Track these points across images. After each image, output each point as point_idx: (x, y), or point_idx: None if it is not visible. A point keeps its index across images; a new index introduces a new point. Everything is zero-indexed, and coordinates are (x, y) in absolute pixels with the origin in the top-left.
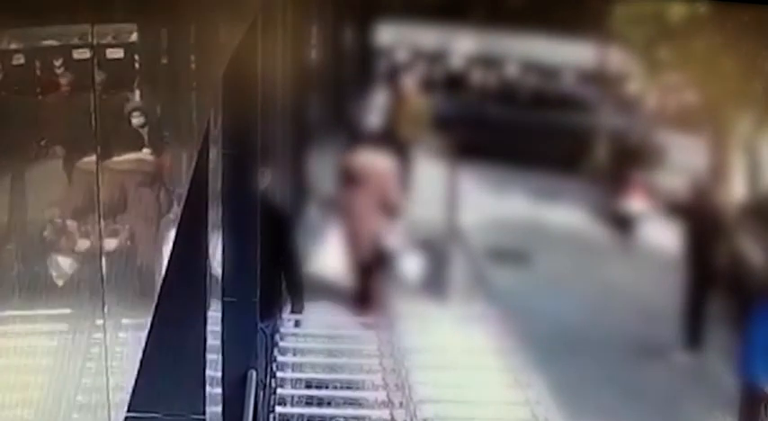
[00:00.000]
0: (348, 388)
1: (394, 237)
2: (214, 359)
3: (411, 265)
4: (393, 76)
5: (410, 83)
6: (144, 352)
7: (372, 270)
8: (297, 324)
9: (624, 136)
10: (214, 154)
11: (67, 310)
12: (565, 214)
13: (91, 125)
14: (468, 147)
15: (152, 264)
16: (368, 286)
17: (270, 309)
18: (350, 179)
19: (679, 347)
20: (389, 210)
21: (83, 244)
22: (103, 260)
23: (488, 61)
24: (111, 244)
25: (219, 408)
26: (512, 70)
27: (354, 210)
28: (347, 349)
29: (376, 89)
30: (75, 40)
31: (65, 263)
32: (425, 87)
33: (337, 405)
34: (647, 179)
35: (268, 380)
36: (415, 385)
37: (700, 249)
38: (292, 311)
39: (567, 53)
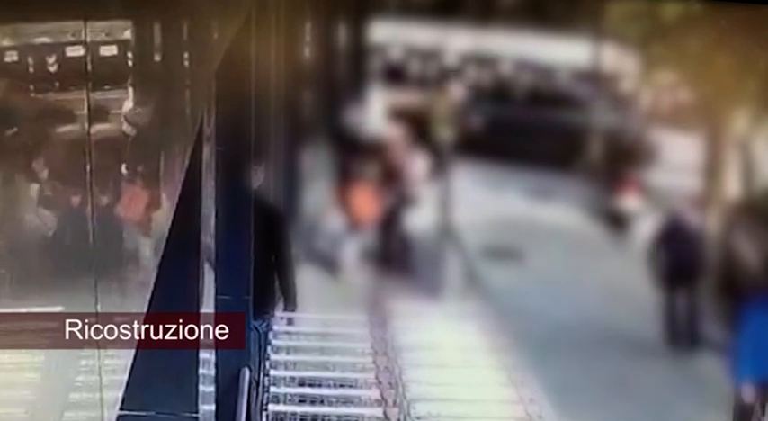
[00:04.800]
0: (341, 386)
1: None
2: (207, 357)
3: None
4: (389, 73)
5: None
6: (137, 350)
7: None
8: (290, 322)
9: (619, 134)
10: (207, 151)
11: (60, 308)
12: (559, 212)
13: (83, 122)
14: (462, 144)
15: (145, 262)
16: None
17: (263, 307)
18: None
19: (666, 343)
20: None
21: (75, 241)
22: (96, 257)
23: (483, 59)
24: (104, 241)
25: (212, 407)
26: (506, 68)
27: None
28: (340, 347)
29: (370, 86)
30: (69, 37)
31: (57, 260)
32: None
33: (330, 403)
34: (641, 177)
35: (261, 379)
36: (408, 383)
37: (678, 245)
38: (285, 309)
39: (562, 51)
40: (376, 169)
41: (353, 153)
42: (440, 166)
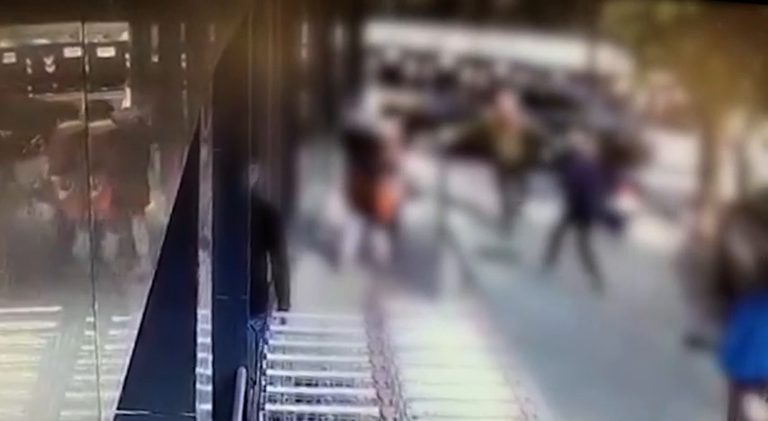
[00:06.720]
0: (338, 385)
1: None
2: (204, 357)
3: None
4: (385, 74)
5: (508, 102)
6: (134, 349)
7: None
8: (286, 321)
9: (614, 134)
10: (205, 152)
11: (57, 308)
12: (554, 212)
13: (80, 123)
14: (458, 145)
15: (143, 261)
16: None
17: (259, 307)
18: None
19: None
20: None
21: (72, 241)
22: (94, 257)
23: (478, 60)
24: (101, 242)
25: (209, 406)
26: (502, 69)
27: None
28: (337, 347)
29: (366, 87)
30: (66, 38)
31: (54, 260)
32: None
33: (327, 402)
34: (636, 178)
35: (258, 378)
36: (404, 382)
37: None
38: (279, 308)
39: (558, 52)
40: (372, 169)
41: (350, 153)
42: (437, 166)
